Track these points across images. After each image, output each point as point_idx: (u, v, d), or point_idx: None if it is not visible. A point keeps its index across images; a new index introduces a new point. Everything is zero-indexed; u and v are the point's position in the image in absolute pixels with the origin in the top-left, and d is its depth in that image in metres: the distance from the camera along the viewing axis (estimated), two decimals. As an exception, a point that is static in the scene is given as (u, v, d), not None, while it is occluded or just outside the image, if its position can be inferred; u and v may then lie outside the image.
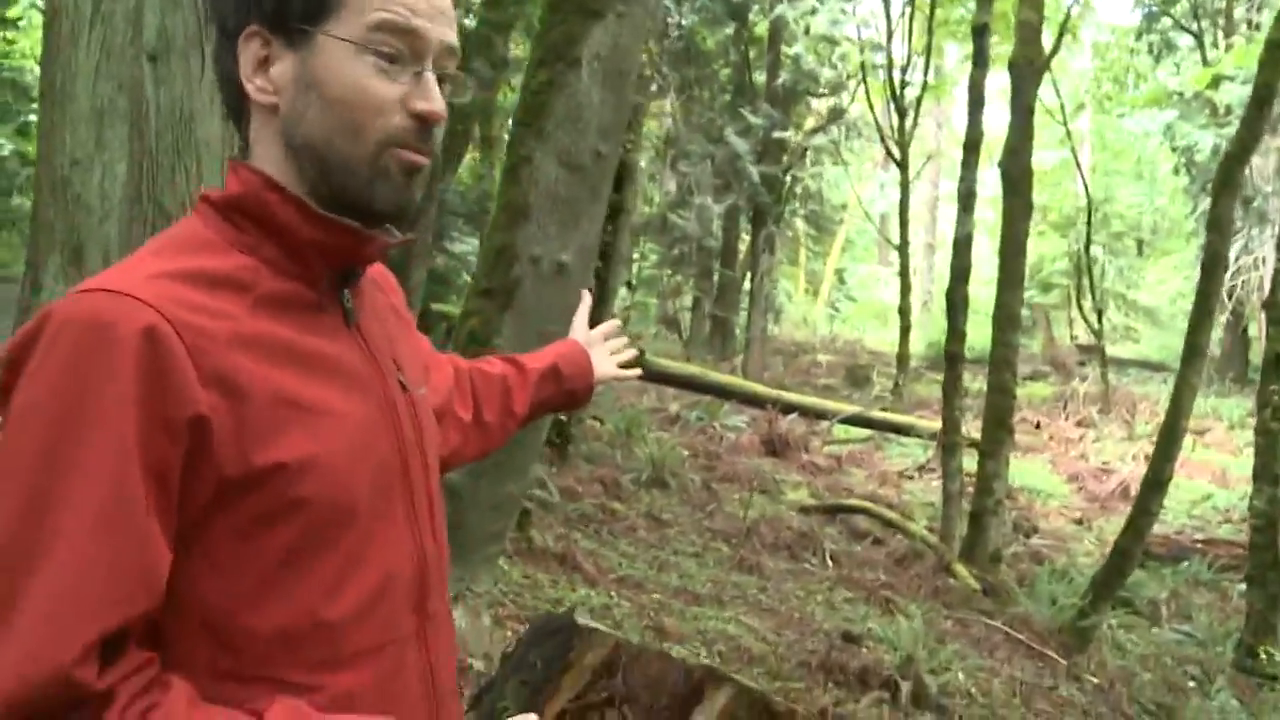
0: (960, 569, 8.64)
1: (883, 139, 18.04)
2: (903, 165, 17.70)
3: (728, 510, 9.35)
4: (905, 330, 17.33)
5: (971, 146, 8.67)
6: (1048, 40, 10.39)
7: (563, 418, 9.00)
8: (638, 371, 1.86)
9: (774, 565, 7.76)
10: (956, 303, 8.81)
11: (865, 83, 18.25)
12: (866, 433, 14.57)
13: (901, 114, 17.70)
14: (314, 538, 1.02)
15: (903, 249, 17.78)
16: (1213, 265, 6.96)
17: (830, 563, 8.35)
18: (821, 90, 17.49)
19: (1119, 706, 6.56)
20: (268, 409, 0.99)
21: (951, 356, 8.93)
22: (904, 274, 17.66)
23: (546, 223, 2.93)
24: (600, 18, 2.90)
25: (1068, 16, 11.73)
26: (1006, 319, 8.95)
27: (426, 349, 1.45)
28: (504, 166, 2.97)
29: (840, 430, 14.49)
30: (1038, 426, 16.57)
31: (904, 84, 17.85)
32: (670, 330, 23.31)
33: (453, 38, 1.12)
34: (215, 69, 1.09)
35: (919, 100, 18.11)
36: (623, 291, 26.45)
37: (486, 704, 2.00)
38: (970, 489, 9.27)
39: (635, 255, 26.81)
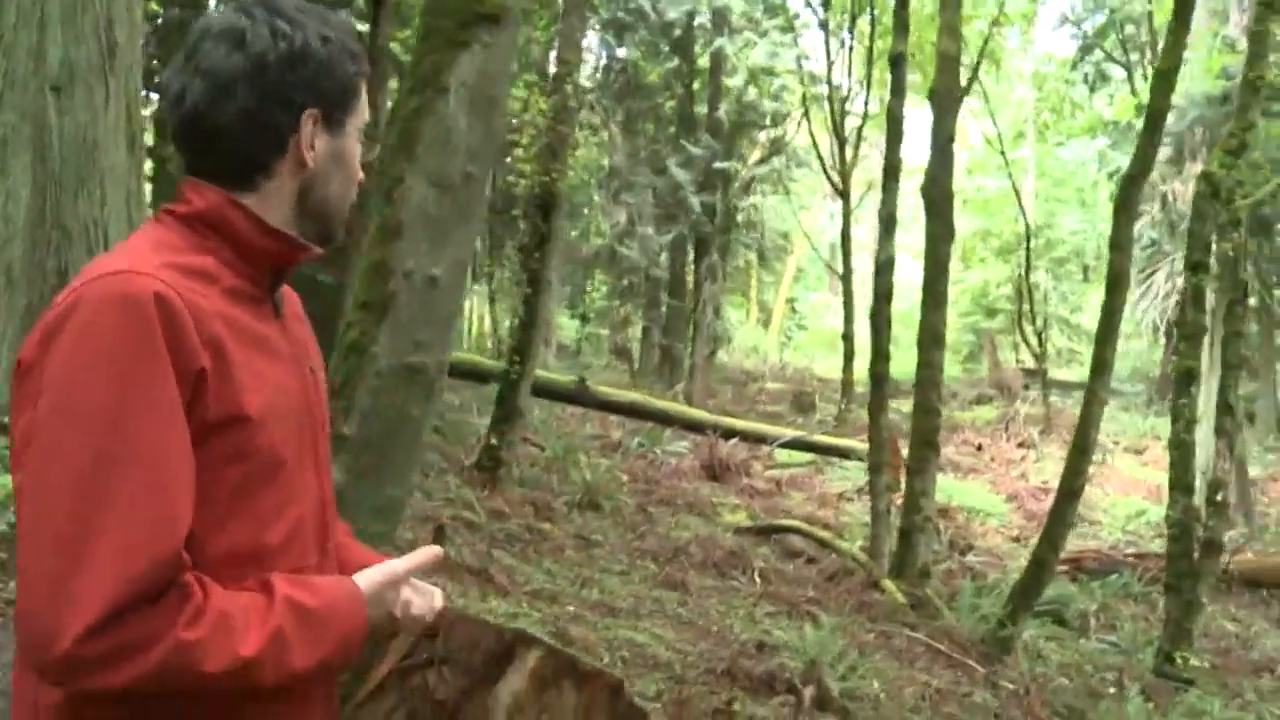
0: (889, 584, 8.80)
1: (825, 169, 18.37)
2: (844, 194, 18.02)
3: (660, 532, 9.47)
4: (849, 356, 17.59)
5: (890, 173, 8.92)
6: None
7: (494, 441, 9.14)
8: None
9: (700, 583, 7.89)
10: (880, 324, 9.03)
11: (807, 114, 18.59)
12: (808, 457, 14.76)
13: (842, 144, 18.04)
14: (258, 477, 1.28)
15: (846, 277, 18.07)
16: (1114, 283, 7.23)
17: (759, 580, 8.48)
18: (764, 122, 17.78)
19: (1031, 710, 6.71)
20: (239, 372, 1.25)
21: (876, 377, 9.14)
22: (847, 301, 17.95)
23: (418, 239, 3.08)
24: (467, 47, 3.09)
25: (984, 48, 12.07)
26: (930, 339, 9.16)
27: None
28: (380, 189, 3.12)
29: (783, 455, 14.67)
30: (979, 449, 16.84)
31: (844, 114, 18.20)
32: (621, 360, 23.50)
33: None
34: (258, 126, 1.33)
35: (859, 130, 18.44)
36: (575, 323, 26.74)
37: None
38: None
39: (587, 287, 27.10)
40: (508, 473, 9.22)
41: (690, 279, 21.57)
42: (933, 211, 9.13)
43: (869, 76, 17.48)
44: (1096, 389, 7.37)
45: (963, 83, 9.67)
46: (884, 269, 8.97)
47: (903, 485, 9.36)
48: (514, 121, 12.84)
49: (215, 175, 1.36)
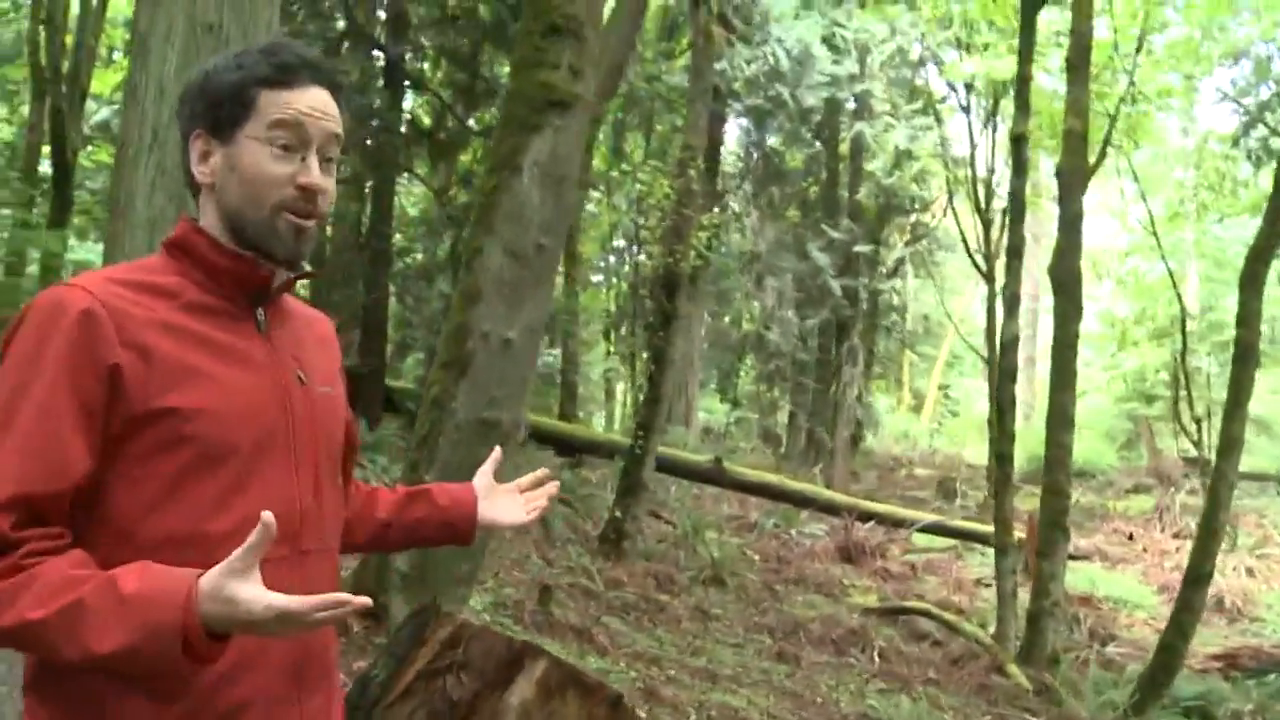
0: (1013, 669, 8.60)
1: (969, 251, 18.24)
2: (989, 277, 17.81)
3: (783, 609, 9.49)
4: (994, 442, 17.21)
5: (1013, 252, 8.92)
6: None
7: (618, 514, 9.39)
8: (526, 519, 1.93)
9: (814, 658, 7.90)
10: (1004, 404, 8.96)
11: (951, 197, 18.54)
12: (948, 542, 14.50)
13: (986, 226, 17.90)
14: (198, 466, 1.39)
15: (991, 361, 17.77)
16: (1241, 358, 7.05)
17: (877, 659, 8.41)
18: (908, 206, 17.83)
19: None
20: (169, 370, 1.39)
21: (1000, 458, 9.03)
22: (992, 387, 17.61)
23: (495, 304, 3.40)
24: (539, 131, 3.43)
25: (1111, 125, 11.92)
26: (1059, 420, 9.02)
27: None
28: (463, 259, 3.46)
29: (923, 540, 14.47)
30: (1130, 538, 16.18)
31: (989, 196, 18.08)
32: (768, 445, 23.49)
33: (335, 128, 1.54)
34: (184, 159, 1.53)
35: (1005, 213, 18.28)
36: (724, 407, 26.90)
37: (363, 672, 2.41)
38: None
39: (740, 371, 27.29)
40: (632, 545, 9.44)
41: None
42: (1060, 290, 9.06)
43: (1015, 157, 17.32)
44: (1224, 469, 7.16)
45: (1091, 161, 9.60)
46: (1008, 348, 8.93)
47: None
48: (641, 204, 13.29)
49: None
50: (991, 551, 13.96)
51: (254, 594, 1.26)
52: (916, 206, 21.26)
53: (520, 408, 3.57)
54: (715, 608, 8.87)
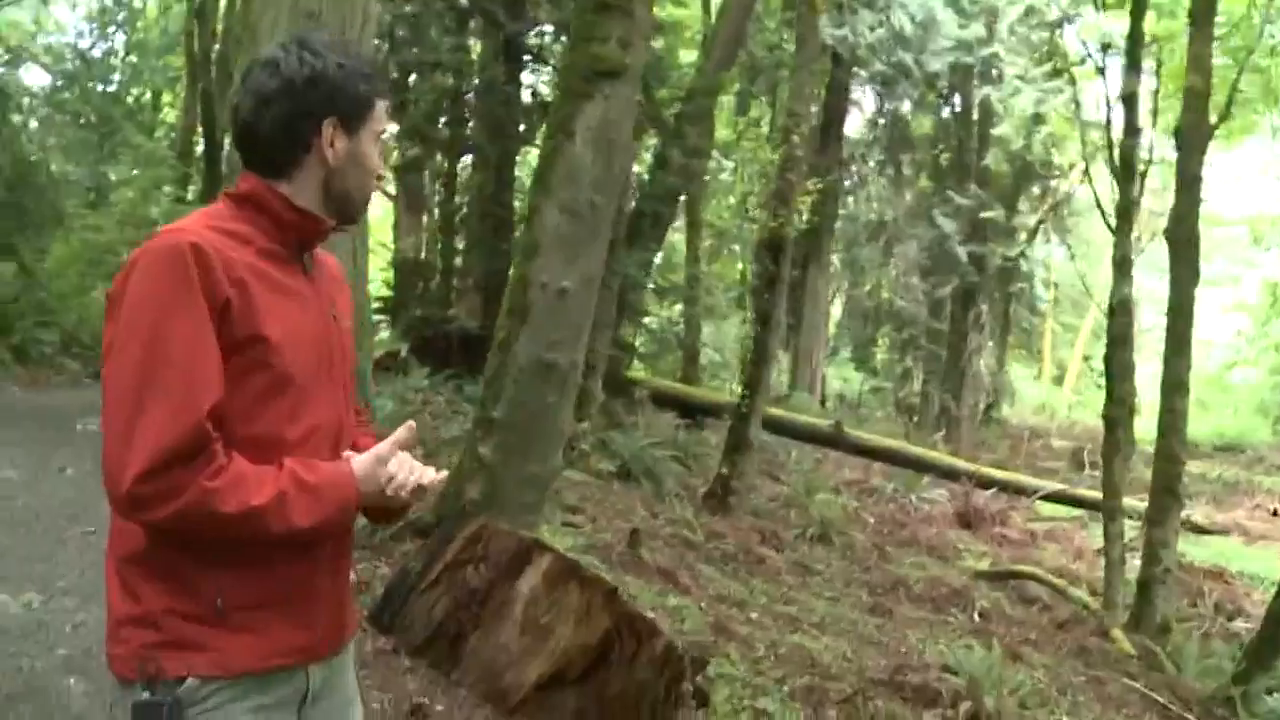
0: (1118, 634, 8.56)
1: (1104, 216, 17.74)
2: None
3: (888, 568, 9.62)
4: (1131, 414, 16.80)
5: (1123, 214, 8.81)
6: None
7: (724, 471, 9.68)
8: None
9: (909, 614, 8.03)
10: (1114, 368, 8.88)
11: (1087, 162, 18.04)
12: (1074, 511, 14.30)
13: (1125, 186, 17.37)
14: (275, 385, 1.68)
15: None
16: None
17: (977, 618, 8.49)
18: (1040, 172, 17.46)
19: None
20: (259, 306, 1.65)
21: (1110, 421, 8.96)
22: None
23: (551, 257, 3.74)
24: (590, 98, 3.75)
25: (1235, 84, 11.47)
26: (1173, 385, 8.90)
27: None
28: (525, 217, 3.81)
29: (1049, 509, 14.32)
30: (1275, 514, 15.62)
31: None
32: (902, 414, 23.36)
33: None
34: (288, 131, 1.74)
35: (1143, 175, 17.70)
36: (858, 375, 26.78)
37: (402, 564, 2.80)
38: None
39: (876, 341, 27.14)
40: (739, 502, 9.71)
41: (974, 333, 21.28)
42: (1177, 254, 8.91)
43: (1153, 118, 16.76)
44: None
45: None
46: (1118, 312, 8.84)
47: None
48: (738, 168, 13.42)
49: (260, 168, 1.78)
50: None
51: (385, 468, 1.73)
52: (1055, 172, 20.76)
53: (577, 351, 3.91)
54: (818, 564, 9.06)
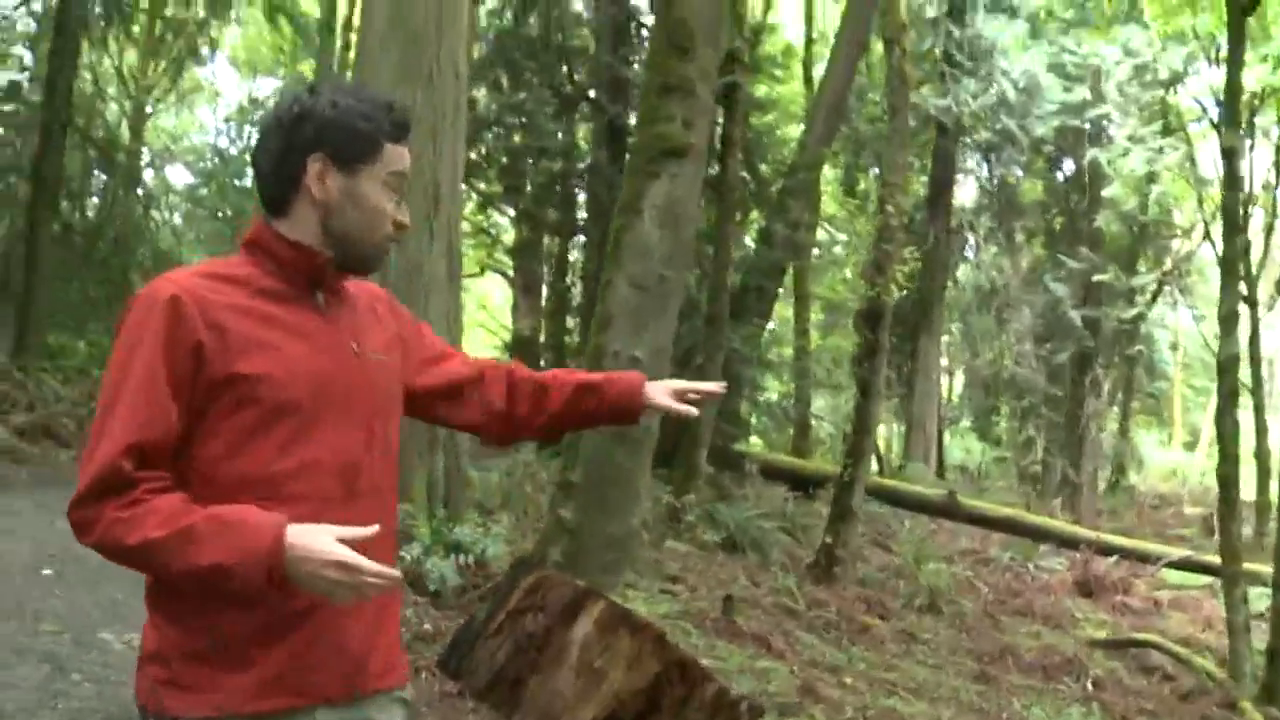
0: (1246, 706, 8.25)
1: (1237, 277, 17.26)
2: (1251, 302, 16.81)
3: (999, 637, 9.44)
4: (1264, 476, 16.20)
5: (1228, 268, 8.67)
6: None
7: (828, 540, 9.69)
8: (688, 409, 2.13)
9: (1017, 682, 7.88)
10: (1225, 428, 8.67)
11: (1207, 222, 17.65)
12: (1205, 580, 13.74)
13: (1246, 249, 16.92)
14: (265, 420, 1.67)
15: (1256, 391, 16.72)
16: None
17: (1090, 687, 8.28)
18: (1167, 233, 17.13)
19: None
20: (240, 344, 1.66)
21: (1224, 481, 8.72)
22: (1259, 416, 16.59)
23: (623, 327, 3.97)
24: (657, 177, 4.00)
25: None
26: (1293, 444, 8.65)
27: (439, 345, 2.11)
28: (597, 291, 4.05)
29: (1177, 577, 13.82)
30: None
31: (1248, 216, 17.11)
32: (1024, 484, 22.81)
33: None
34: (274, 170, 1.77)
35: (1268, 231, 17.27)
36: (981, 446, 26.27)
37: (471, 614, 3.01)
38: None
39: (998, 411, 26.64)
40: (844, 571, 9.68)
41: (1096, 400, 20.76)
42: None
43: (1277, 171, 16.38)
44: None
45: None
46: (1227, 369, 8.64)
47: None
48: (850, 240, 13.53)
49: (266, 208, 1.82)
50: (1252, 591, 13.24)
51: (332, 541, 1.56)
52: (1176, 232, 20.31)
53: (650, 415, 4.10)
54: (924, 632, 8.94)
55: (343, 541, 1.57)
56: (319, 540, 1.56)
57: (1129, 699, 8.16)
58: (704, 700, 3.15)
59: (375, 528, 1.63)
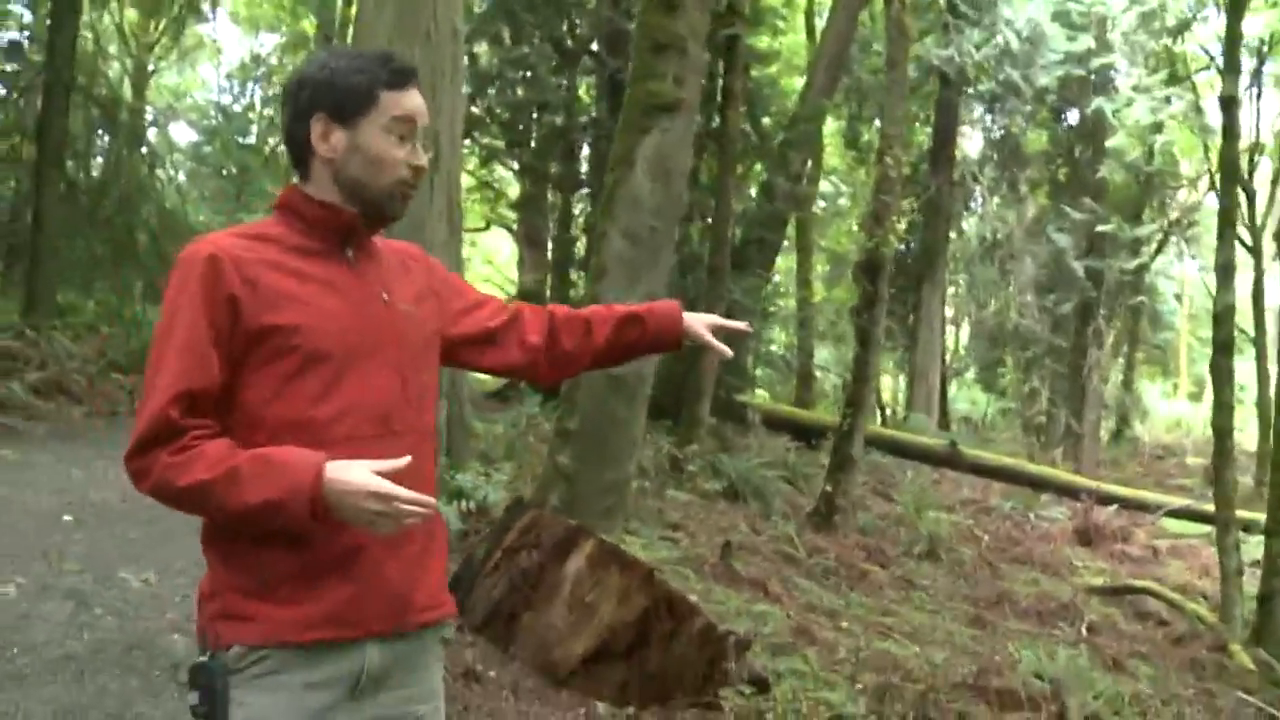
0: (1236, 649, 8.40)
1: (1234, 227, 17.26)
2: (1255, 251, 16.85)
3: (997, 584, 9.59)
4: (1265, 425, 16.29)
5: (1226, 219, 8.72)
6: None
7: (828, 488, 9.84)
8: (726, 349, 2.23)
9: (1012, 626, 8.03)
10: (1220, 376, 8.76)
11: (1210, 170, 17.61)
12: (1204, 528, 13.89)
13: (1250, 198, 16.93)
14: (301, 368, 1.76)
15: (1258, 341, 16.80)
16: None
17: (1085, 631, 8.43)
18: (1172, 183, 17.10)
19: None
20: (273, 296, 1.76)
21: (1219, 430, 8.83)
22: (1259, 367, 16.68)
23: (616, 278, 4.07)
24: (648, 132, 4.08)
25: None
26: (1288, 391, 8.75)
27: (473, 295, 2.18)
28: (590, 242, 4.14)
29: (1177, 526, 13.97)
30: None
31: (1253, 166, 17.09)
32: (1028, 435, 22.95)
33: (427, 122, 1.95)
34: (288, 138, 1.87)
35: (1276, 180, 17.24)
36: (986, 397, 26.38)
37: (469, 551, 3.14)
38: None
39: (1003, 362, 26.72)
40: (844, 519, 9.83)
41: (1101, 348, 20.82)
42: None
43: (1284, 124, 16.28)
44: None
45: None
46: (1223, 319, 8.72)
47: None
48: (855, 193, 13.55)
49: (296, 171, 1.93)
50: (1251, 539, 13.39)
51: (368, 473, 1.64)
52: (1183, 183, 20.26)
53: (644, 365, 4.22)
54: (923, 579, 9.09)
55: (380, 474, 1.65)
56: (356, 474, 1.64)
57: (1122, 643, 8.31)
58: (691, 634, 3.29)
59: (408, 458, 1.70)
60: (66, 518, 6.15)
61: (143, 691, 3.79)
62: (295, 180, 1.92)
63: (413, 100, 1.89)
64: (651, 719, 3.33)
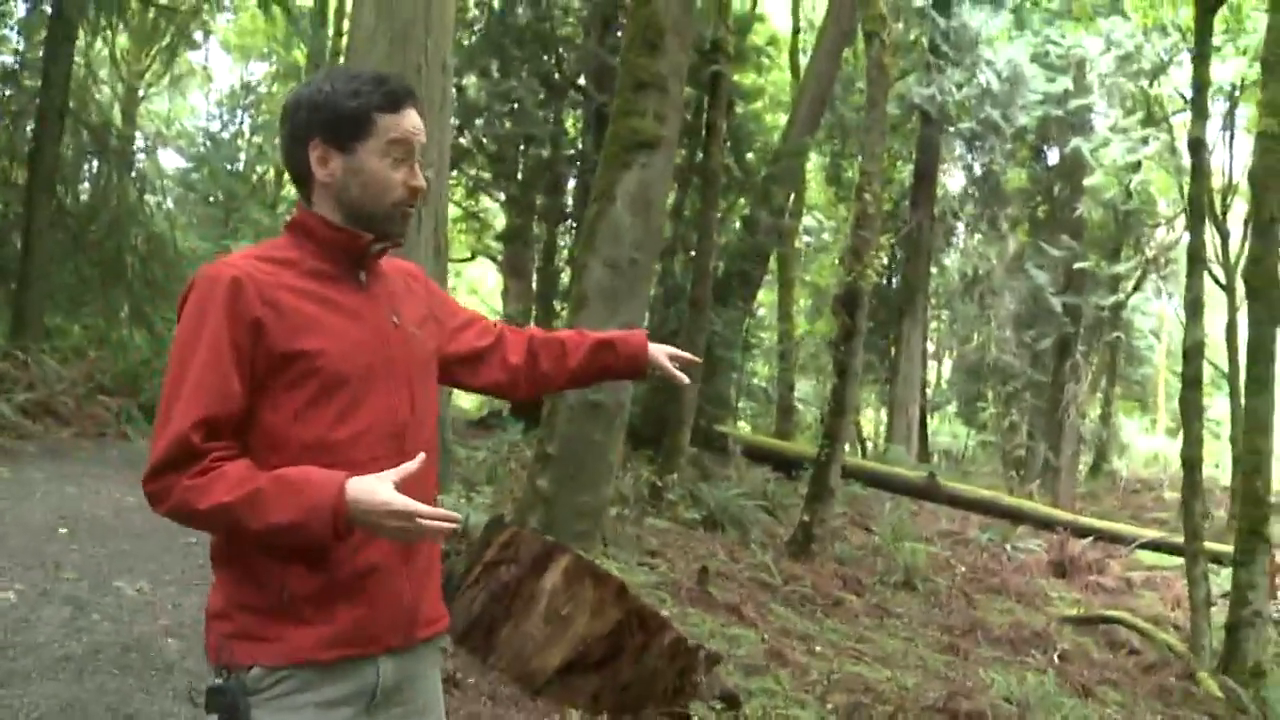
0: (1204, 677, 8.56)
1: (1203, 264, 17.58)
2: (1228, 290, 17.13)
3: (972, 614, 9.72)
4: (1237, 462, 16.51)
5: (1194, 257, 8.94)
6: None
7: (806, 518, 9.97)
8: (684, 379, 2.37)
9: (984, 654, 8.16)
10: (1190, 410, 8.96)
11: (1187, 209, 17.94)
12: (1177, 561, 14.08)
13: (1224, 237, 17.25)
14: (322, 392, 1.79)
15: (1232, 378, 17.04)
16: None
17: (1057, 659, 8.56)
18: (1134, 221, 17.42)
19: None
20: (296, 321, 1.78)
21: (1187, 463, 9.02)
22: (1234, 403, 16.91)
23: (597, 308, 4.23)
24: (629, 167, 4.26)
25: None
26: (1255, 426, 8.93)
27: (463, 314, 2.25)
28: (572, 273, 4.31)
29: (1152, 558, 14.17)
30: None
31: (1226, 206, 17.42)
32: (1008, 469, 23.14)
33: (424, 139, 1.97)
34: (287, 160, 1.91)
35: (1248, 221, 17.53)
36: (966, 431, 26.56)
37: (450, 566, 3.28)
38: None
39: (985, 396, 26.96)
40: (821, 549, 9.96)
41: (1081, 386, 21.06)
42: (1255, 295, 8.98)
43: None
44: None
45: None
46: (1193, 354, 8.93)
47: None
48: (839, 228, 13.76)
49: (301, 195, 1.96)
50: (1224, 572, 13.58)
51: (390, 491, 1.68)
52: (1160, 221, 20.58)
53: (621, 392, 4.37)
54: (898, 607, 9.22)
55: (398, 482, 1.70)
56: (379, 493, 1.67)
57: (1093, 670, 8.45)
58: (662, 647, 3.42)
59: (422, 455, 1.77)
60: (62, 530, 6.36)
61: (139, 689, 4.00)
62: (303, 202, 1.96)
63: (409, 121, 1.91)
64: (622, 726, 3.49)
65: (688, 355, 2.35)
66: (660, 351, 2.32)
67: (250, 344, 1.75)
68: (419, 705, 1.95)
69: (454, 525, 1.71)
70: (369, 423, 1.83)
